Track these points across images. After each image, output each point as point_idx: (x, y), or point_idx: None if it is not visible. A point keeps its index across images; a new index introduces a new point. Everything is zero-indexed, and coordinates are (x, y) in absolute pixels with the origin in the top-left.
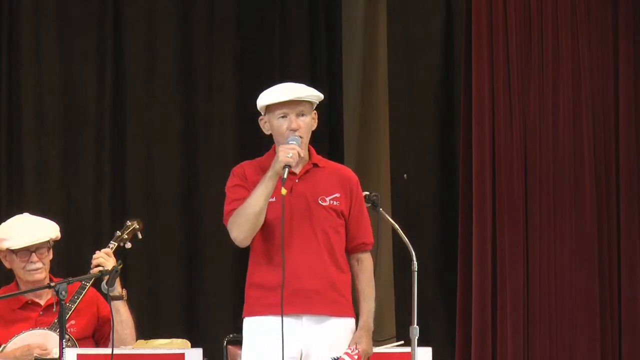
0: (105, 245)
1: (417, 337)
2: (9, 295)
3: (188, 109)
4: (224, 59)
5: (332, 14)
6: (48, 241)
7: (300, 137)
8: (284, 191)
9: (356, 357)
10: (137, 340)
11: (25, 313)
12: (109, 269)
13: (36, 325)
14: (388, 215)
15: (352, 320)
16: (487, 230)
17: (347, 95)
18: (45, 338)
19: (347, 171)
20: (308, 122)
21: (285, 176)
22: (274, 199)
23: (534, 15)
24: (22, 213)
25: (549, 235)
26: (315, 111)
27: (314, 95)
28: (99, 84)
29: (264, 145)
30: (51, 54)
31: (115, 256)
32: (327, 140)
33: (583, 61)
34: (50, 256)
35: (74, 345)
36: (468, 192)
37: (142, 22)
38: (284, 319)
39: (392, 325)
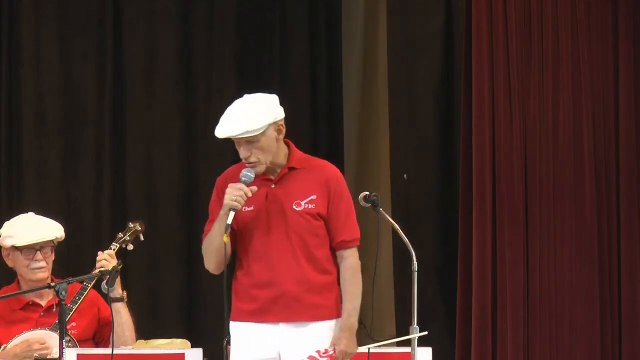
0: (106, 246)
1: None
2: (9, 295)
3: (188, 109)
4: (224, 59)
5: (332, 14)
6: (52, 240)
7: (253, 162)
8: (225, 239)
9: (327, 359)
10: (137, 340)
11: (26, 314)
12: (109, 269)
13: (37, 326)
14: (388, 215)
15: (334, 322)
16: (487, 230)
17: (347, 95)
18: (45, 338)
19: (326, 169)
20: (261, 146)
21: (229, 221)
22: (251, 208)
23: (534, 15)
24: (23, 213)
25: (549, 235)
26: (277, 123)
27: (248, 131)
28: (99, 84)
29: None
30: (51, 54)
31: (116, 257)
32: (327, 140)
33: (583, 61)
34: (53, 257)
35: (74, 346)
36: (468, 192)
37: (142, 22)
38: (262, 325)
39: (392, 325)
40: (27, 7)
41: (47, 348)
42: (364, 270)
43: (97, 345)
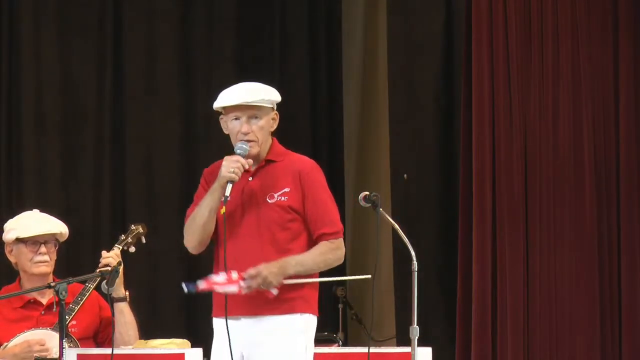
0: (106, 246)
1: (417, 337)
2: (10, 295)
3: (188, 109)
4: (224, 59)
5: (332, 14)
6: (56, 236)
7: (251, 140)
8: (222, 210)
9: (229, 277)
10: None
11: (26, 312)
12: (110, 269)
13: (37, 324)
14: (388, 215)
15: (298, 316)
16: (487, 230)
17: (347, 94)
18: (46, 338)
19: (300, 163)
20: (262, 125)
21: (227, 193)
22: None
23: (534, 15)
24: (23, 212)
25: (549, 235)
26: (275, 112)
27: (264, 99)
28: (99, 84)
29: None
30: (51, 54)
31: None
32: (327, 140)
33: (583, 61)
34: (56, 254)
35: (75, 346)
36: (468, 192)
37: (142, 22)
38: (228, 320)
39: (392, 325)
40: (27, 7)
41: (46, 350)
42: (364, 270)
43: (100, 345)
